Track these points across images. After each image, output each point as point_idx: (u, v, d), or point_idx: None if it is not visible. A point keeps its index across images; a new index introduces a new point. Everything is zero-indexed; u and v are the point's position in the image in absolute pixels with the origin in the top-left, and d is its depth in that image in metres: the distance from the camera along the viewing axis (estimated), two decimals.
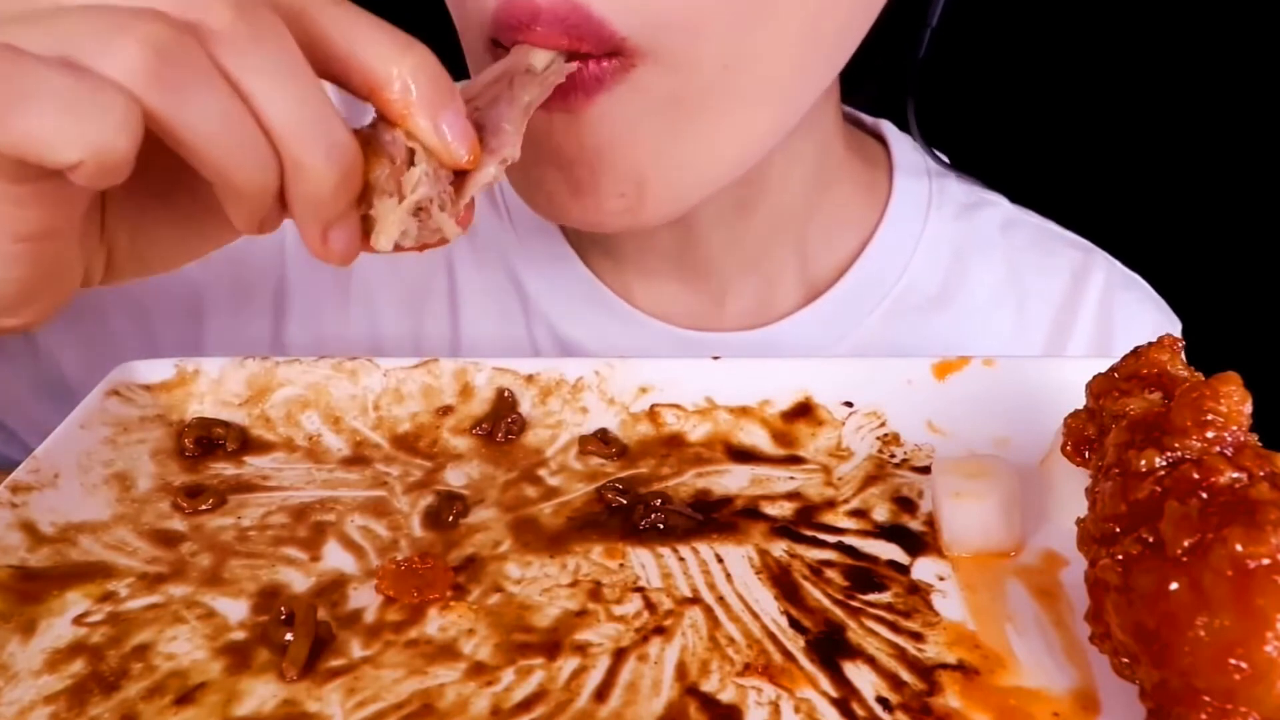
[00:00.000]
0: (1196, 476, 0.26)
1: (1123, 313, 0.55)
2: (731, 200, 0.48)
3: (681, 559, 0.35)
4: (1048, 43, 0.76)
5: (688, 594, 0.34)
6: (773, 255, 0.52)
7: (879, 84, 0.54)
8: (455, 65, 0.43)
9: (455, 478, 0.40)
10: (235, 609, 0.33)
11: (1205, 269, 0.77)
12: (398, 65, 0.29)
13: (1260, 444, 0.27)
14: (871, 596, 0.33)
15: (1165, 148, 0.79)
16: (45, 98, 0.24)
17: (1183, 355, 0.32)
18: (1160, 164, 0.80)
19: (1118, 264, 0.57)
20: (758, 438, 0.41)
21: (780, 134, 0.42)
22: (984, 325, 0.54)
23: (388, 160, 0.30)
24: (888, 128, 0.57)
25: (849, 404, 0.41)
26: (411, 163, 0.30)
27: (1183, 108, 0.79)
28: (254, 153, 0.27)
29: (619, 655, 0.31)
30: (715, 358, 0.43)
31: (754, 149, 0.42)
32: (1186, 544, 0.25)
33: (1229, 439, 0.27)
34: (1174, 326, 0.56)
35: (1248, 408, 0.28)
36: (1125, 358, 0.32)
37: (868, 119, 0.58)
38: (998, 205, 0.57)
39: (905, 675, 0.30)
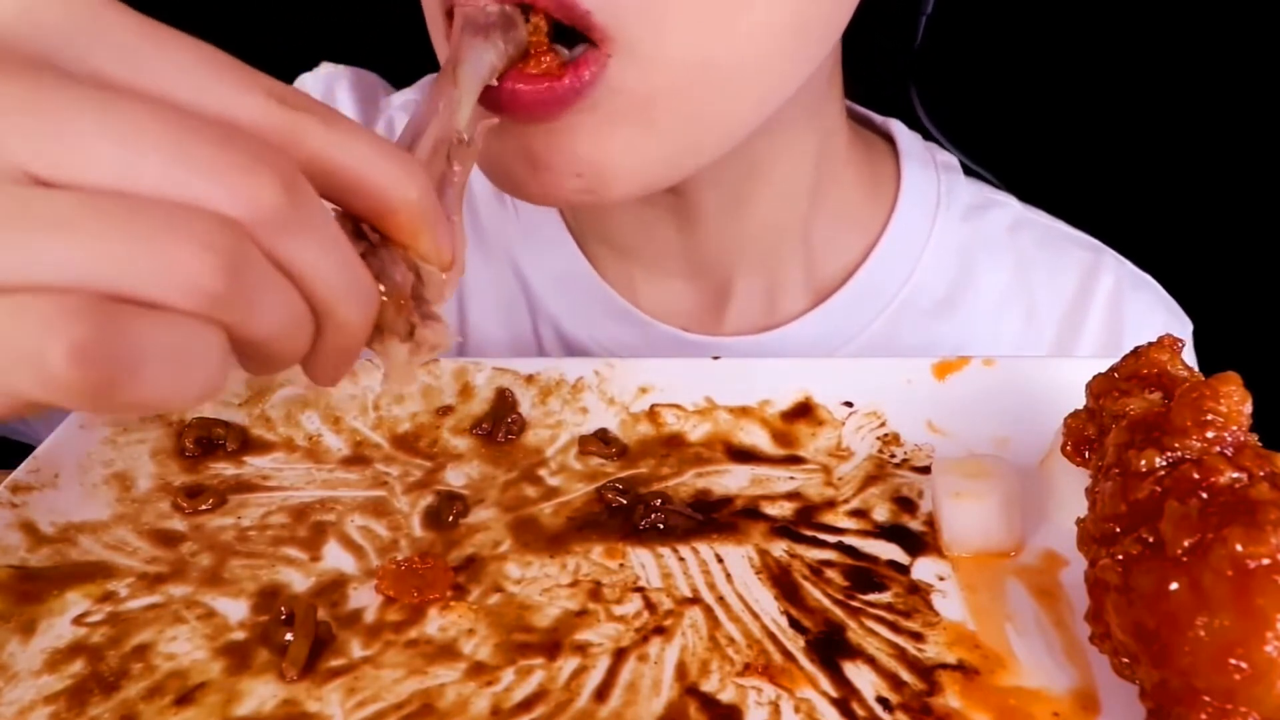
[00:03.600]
0: (1196, 476, 0.26)
1: (1132, 314, 0.54)
2: (731, 192, 0.48)
3: (681, 559, 0.35)
4: (1057, 36, 0.76)
5: (688, 594, 0.34)
6: (777, 253, 0.51)
7: (883, 75, 0.54)
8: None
9: (455, 478, 0.40)
10: (235, 609, 0.33)
11: (1217, 267, 0.76)
12: (407, 188, 0.27)
13: (1260, 444, 0.27)
14: (871, 596, 0.33)
15: (1176, 145, 0.79)
16: (156, 364, 0.23)
17: (1183, 355, 0.32)
18: (1172, 161, 0.79)
19: (1128, 264, 0.56)
20: (758, 438, 0.41)
21: (758, 121, 0.41)
22: (992, 328, 0.53)
23: (394, 292, 0.29)
24: (897, 126, 0.56)
25: (849, 404, 0.42)
26: (415, 287, 0.30)
27: (1189, 104, 0.78)
28: (303, 328, 0.26)
29: (619, 655, 0.31)
30: (715, 358, 0.43)
31: (731, 139, 0.41)
32: (1186, 544, 0.25)
33: (1229, 439, 0.27)
34: (1184, 328, 0.56)
35: (1248, 408, 0.28)
36: (1125, 358, 0.32)
37: (877, 117, 0.57)
38: (1006, 206, 0.56)
39: (905, 675, 0.30)
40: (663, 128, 0.38)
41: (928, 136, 0.58)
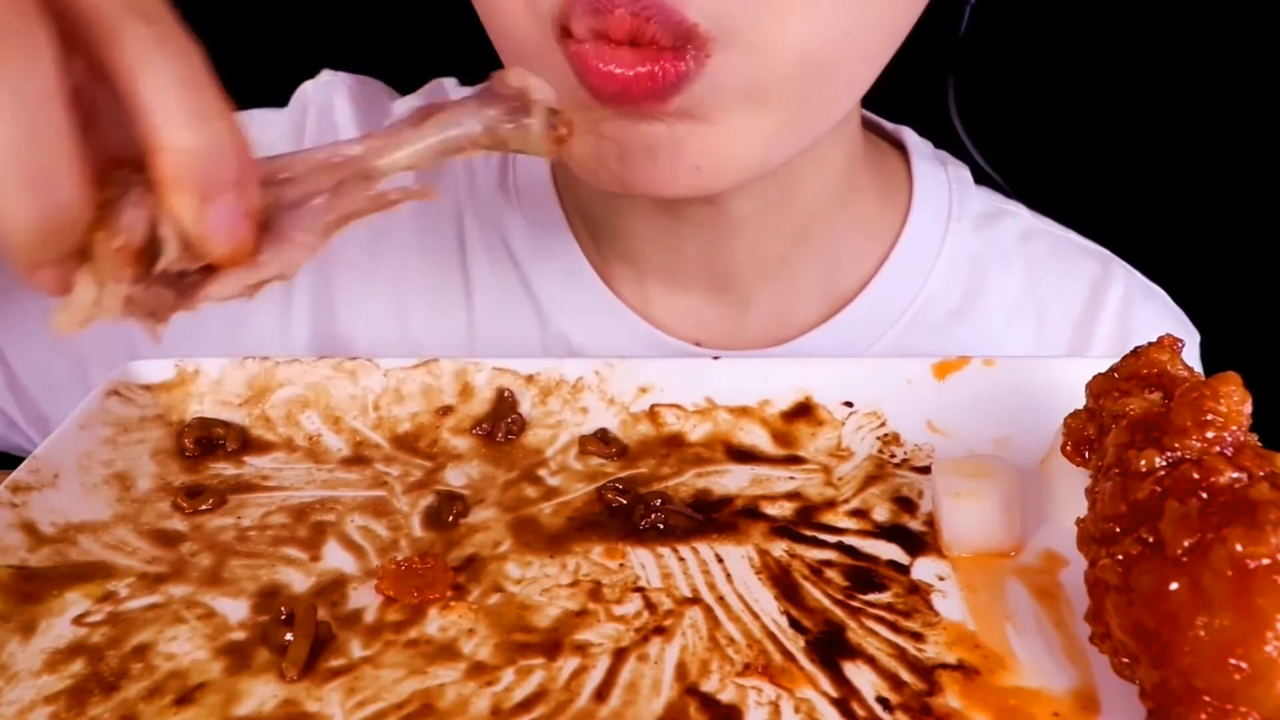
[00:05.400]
0: (1196, 476, 0.26)
1: (1141, 324, 0.54)
2: (761, 201, 0.47)
3: (681, 559, 0.35)
4: (1068, 45, 0.76)
5: (688, 594, 0.34)
6: (797, 263, 0.51)
7: (920, 65, 0.53)
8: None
9: (455, 478, 0.40)
10: (235, 609, 0.33)
11: (1225, 278, 0.76)
12: (188, 132, 0.24)
13: (1260, 444, 0.27)
14: (871, 596, 0.33)
15: (1184, 154, 0.79)
16: None
17: (1183, 355, 0.32)
18: (1181, 171, 0.79)
19: (1137, 274, 0.56)
20: (758, 438, 0.41)
21: (844, 111, 0.42)
22: (1003, 337, 0.53)
23: (121, 234, 0.26)
24: (908, 134, 0.56)
25: (849, 404, 0.41)
26: (151, 250, 0.26)
27: (1195, 112, 0.78)
28: None
29: (619, 655, 0.31)
30: (715, 357, 0.43)
31: (824, 127, 0.42)
32: (1186, 544, 0.25)
33: (1229, 439, 0.27)
34: (1192, 338, 0.56)
35: (1248, 408, 0.28)
36: (1125, 358, 0.32)
37: (888, 125, 0.57)
38: (1016, 215, 0.56)
39: (905, 675, 0.30)
40: (773, 112, 0.39)
41: (939, 143, 0.58)
